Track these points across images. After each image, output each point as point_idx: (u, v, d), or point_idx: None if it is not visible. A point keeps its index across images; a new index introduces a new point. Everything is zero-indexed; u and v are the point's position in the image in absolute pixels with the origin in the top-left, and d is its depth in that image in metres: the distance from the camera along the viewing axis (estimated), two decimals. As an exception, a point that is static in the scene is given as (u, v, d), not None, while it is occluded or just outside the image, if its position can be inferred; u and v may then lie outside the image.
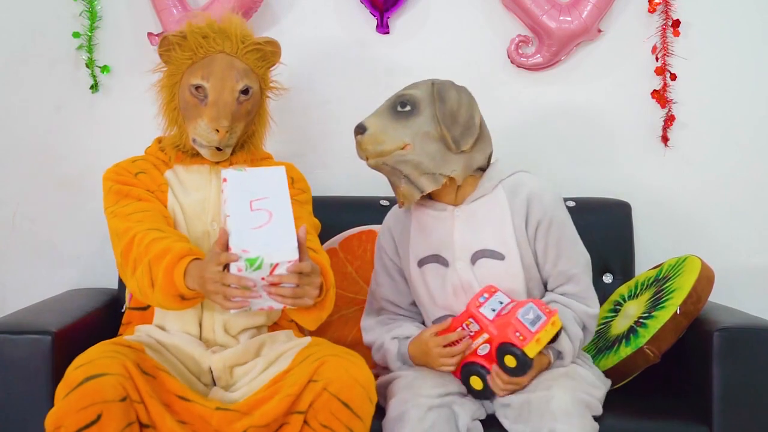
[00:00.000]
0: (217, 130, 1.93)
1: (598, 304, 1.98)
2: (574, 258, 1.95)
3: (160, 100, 2.04)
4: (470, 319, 1.85)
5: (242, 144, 2.05)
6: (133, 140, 2.53)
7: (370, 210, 2.40)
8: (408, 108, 1.91)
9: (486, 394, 1.87)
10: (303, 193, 2.08)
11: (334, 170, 2.56)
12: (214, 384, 1.90)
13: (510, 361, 1.81)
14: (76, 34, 2.52)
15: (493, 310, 1.84)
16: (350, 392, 1.73)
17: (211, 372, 1.89)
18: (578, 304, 1.93)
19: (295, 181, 2.08)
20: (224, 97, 1.94)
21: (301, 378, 1.74)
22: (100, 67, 2.54)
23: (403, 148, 1.89)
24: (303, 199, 2.07)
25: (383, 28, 2.54)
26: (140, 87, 2.54)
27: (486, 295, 1.86)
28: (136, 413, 1.68)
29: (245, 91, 1.98)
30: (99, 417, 1.62)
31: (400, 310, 2.07)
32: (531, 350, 1.79)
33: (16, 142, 2.58)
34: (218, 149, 1.96)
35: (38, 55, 2.56)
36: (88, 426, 1.62)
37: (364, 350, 2.04)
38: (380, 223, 2.35)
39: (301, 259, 1.70)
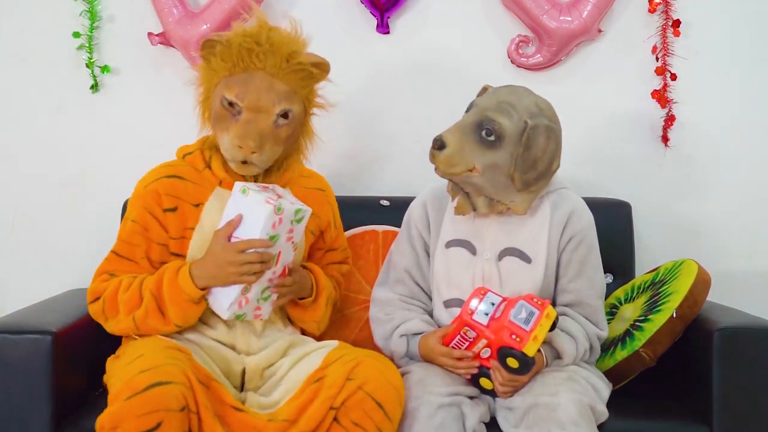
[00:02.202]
0: (241, 147, 1.83)
1: (608, 329, 2.02)
2: (592, 282, 1.99)
3: (198, 96, 1.95)
4: (466, 327, 1.85)
5: (280, 164, 1.96)
6: (134, 140, 2.55)
7: (370, 210, 2.40)
8: (492, 138, 1.89)
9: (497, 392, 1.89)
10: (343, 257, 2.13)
11: (333, 170, 2.55)
12: (242, 387, 1.91)
13: (512, 362, 1.81)
14: (76, 34, 2.52)
15: (486, 314, 1.84)
16: (385, 393, 1.75)
17: (242, 375, 1.91)
18: (588, 322, 1.96)
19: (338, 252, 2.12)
20: (258, 120, 1.84)
21: (339, 378, 1.76)
22: (100, 67, 2.54)
23: (471, 170, 1.90)
24: (339, 257, 2.14)
25: (383, 28, 2.54)
26: (140, 87, 2.56)
27: (476, 299, 1.86)
28: (190, 423, 1.69)
29: (284, 115, 1.86)
30: (159, 425, 1.63)
31: (417, 288, 2.06)
32: (530, 350, 1.80)
33: (16, 142, 2.58)
34: (244, 163, 1.87)
35: (38, 55, 2.56)
36: None
37: (369, 349, 2.03)
38: (380, 223, 2.36)
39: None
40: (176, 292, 1.83)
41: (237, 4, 2.42)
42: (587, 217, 2.01)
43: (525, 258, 1.96)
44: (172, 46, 2.51)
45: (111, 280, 1.91)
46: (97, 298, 1.92)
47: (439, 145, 1.89)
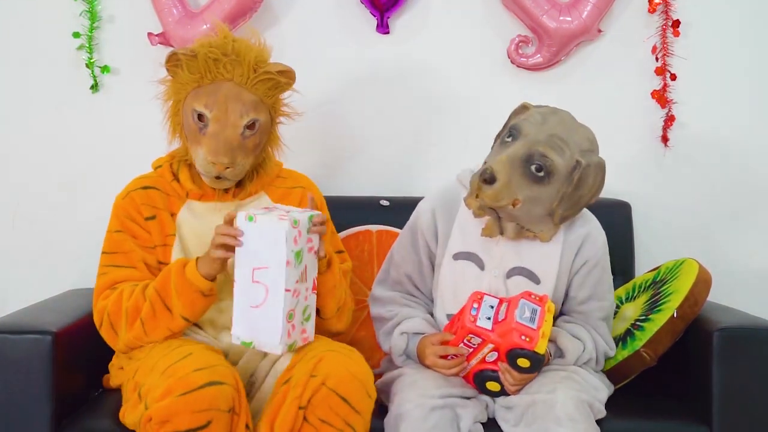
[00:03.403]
0: (214, 164, 1.85)
1: (615, 349, 2.03)
2: (603, 304, 1.99)
3: (166, 111, 1.97)
4: (470, 335, 1.84)
5: (252, 172, 1.98)
6: (134, 140, 2.55)
7: (370, 210, 2.40)
8: (542, 175, 1.82)
9: (506, 393, 1.88)
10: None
11: (333, 170, 2.56)
12: None
13: (524, 363, 1.81)
14: (76, 34, 2.52)
15: (489, 318, 1.83)
16: (348, 387, 1.74)
17: None
18: (601, 339, 1.98)
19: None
20: (226, 132, 1.85)
21: (303, 377, 1.75)
22: (100, 67, 2.54)
23: (512, 203, 1.84)
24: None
25: (383, 28, 2.54)
26: (140, 87, 2.54)
27: (475, 305, 1.85)
28: (232, 424, 1.71)
29: (251, 126, 1.88)
30: (208, 423, 1.65)
31: (417, 291, 2.04)
32: (541, 347, 1.80)
33: (16, 142, 2.58)
34: (218, 178, 1.89)
35: (38, 55, 2.56)
36: (196, 429, 1.64)
37: (364, 350, 2.03)
38: (380, 223, 2.36)
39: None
40: (184, 285, 1.81)
41: (237, 3, 2.42)
42: (602, 240, 1.98)
43: (534, 278, 1.93)
44: (172, 47, 2.51)
45: (111, 294, 1.89)
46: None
47: (488, 178, 1.82)
